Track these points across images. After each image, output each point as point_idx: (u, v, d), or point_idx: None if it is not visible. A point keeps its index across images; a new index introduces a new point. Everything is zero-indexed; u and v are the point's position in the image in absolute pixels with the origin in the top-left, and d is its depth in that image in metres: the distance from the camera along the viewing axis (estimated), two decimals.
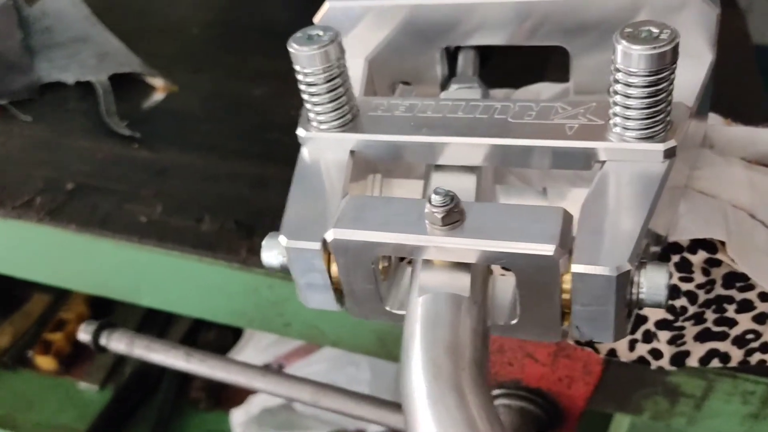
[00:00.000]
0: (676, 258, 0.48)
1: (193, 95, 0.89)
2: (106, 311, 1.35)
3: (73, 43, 0.94)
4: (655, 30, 0.36)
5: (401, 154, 0.45)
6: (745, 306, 0.50)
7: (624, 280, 0.35)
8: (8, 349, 1.31)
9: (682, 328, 0.50)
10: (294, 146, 0.47)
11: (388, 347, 0.67)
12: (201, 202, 0.71)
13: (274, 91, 0.89)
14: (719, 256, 0.47)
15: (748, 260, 0.46)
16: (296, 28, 0.43)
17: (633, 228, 0.36)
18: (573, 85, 0.52)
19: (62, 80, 0.89)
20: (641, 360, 0.52)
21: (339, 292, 0.42)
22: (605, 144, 0.40)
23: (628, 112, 0.38)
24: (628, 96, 0.38)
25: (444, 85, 0.54)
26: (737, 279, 0.49)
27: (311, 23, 0.50)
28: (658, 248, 0.45)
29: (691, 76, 0.44)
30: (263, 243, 0.42)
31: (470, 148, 0.43)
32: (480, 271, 0.38)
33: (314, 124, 0.45)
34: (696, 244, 0.48)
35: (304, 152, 0.46)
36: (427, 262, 0.38)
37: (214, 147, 0.79)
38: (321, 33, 0.42)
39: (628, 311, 0.37)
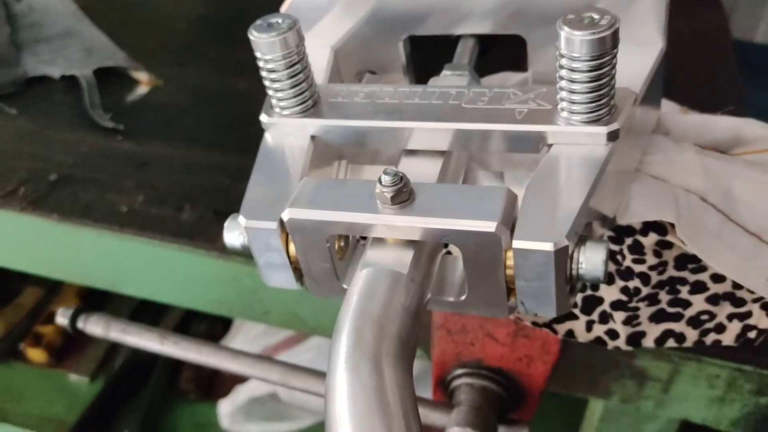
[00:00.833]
0: (629, 240, 0.50)
1: (177, 89, 0.91)
2: (98, 304, 1.36)
3: (59, 38, 0.96)
4: (596, 16, 0.38)
5: (360, 140, 0.46)
6: (698, 287, 0.52)
7: (562, 256, 0.36)
8: (0, 342, 1.33)
9: (637, 308, 0.52)
10: None
11: None
12: (181, 192, 0.72)
13: (258, 85, 0.89)
14: (669, 238, 0.49)
15: (698, 242, 0.47)
16: None
17: (572, 207, 0.38)
18: (531, 75, 0.53)
19: (48, 74, 0.91)
20: (598, 340, 0.53)
21: (298, 272, 0.44)
22: (552, 128, 0.42)
23: (573, 96, 0.40)
24: (572, 81, 0.39)
25: (407, 74, 0.56)
26: (689, 261, 0.51)
27: None
28: (606, 230, 0.47)
29: (640, 63, 0.46)
30: (225, 224, 0.44)
31: (425, 133, 0.45)
32: (425, 250, 0.40)
33: (276, 110, 0.47)
34: (647, 227, 0.49)
35: (267, 137, 0.48)
36: (378, 240, 0.40)
37: (197, 139, 0.81)
38: (280, 21, 0.43)
39: (570, 287, 0.39)
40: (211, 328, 1.38)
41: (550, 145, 0.42)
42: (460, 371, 0.57)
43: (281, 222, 0.41)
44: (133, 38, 0.99)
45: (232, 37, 1.01)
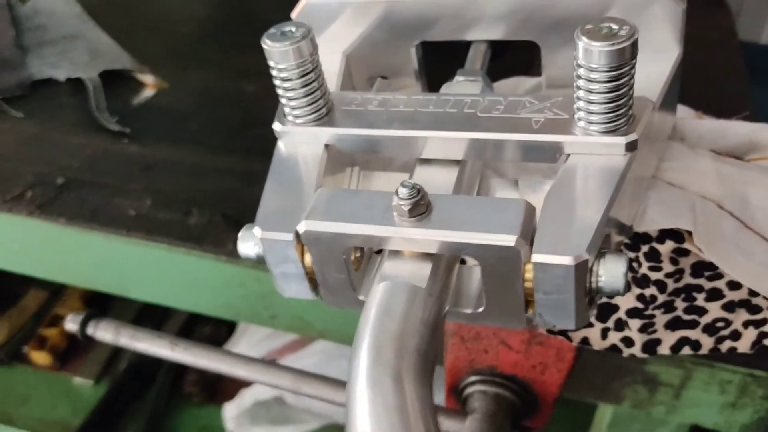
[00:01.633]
0: (645, 248, 0.49)
1: (183, 92, 0.91)
2: (102, 307, 1.36)
3: (64, 40, 0.95)
4: (614, 26, 0.37)
5: (374, 148, 0.46)
6: (714, 294, 0.51)
7: (582, 269, 0.36)
8: (4, 345, 1.32)
9: (653, 316, 0.52)
10: None
11: None
12: (189, 196, 0.72)
13: (264, 88, 0.89)
14: (686, 245, 0.48)
15: (714, 249, 0.47)
16: None
17: (592, 219, 0.37)
18: (545, 80, 0.53)
19: (54, 77, 0.90)
20: (613, 348, 0.53)
21: (313, 282, 0.43)
22: (570, 137, 0.41)
23: (591, 107, 0.40)
24: (590, 91, 0.39)
25: (419, 80, 0.55)
26: (706, 268, 0.50)
27: None
28: (624, 238, 0.46)
29: (656, 70, 0.45)
30: (239, 234, 0.44)
31: (441, 142, 0.44)
32: (443, 262, 0.39)
33: (290, 118, 0.46)
34: (664, 234, 0.49)
35: (280, 146, 0.47)
36: (395, 253, 0.40)
37: (203, 142, 0.80)
38: (294, 29, 0.43)
39: (589, 299, 0.38)
40: (215, 331, 1.37)
41: (568, 155, 0.41)
42: (473, 378, 0.57)
43: (297, 234, 0.40)
44: (138, 41, 0.99)
45: (237, 40, 1.01)
